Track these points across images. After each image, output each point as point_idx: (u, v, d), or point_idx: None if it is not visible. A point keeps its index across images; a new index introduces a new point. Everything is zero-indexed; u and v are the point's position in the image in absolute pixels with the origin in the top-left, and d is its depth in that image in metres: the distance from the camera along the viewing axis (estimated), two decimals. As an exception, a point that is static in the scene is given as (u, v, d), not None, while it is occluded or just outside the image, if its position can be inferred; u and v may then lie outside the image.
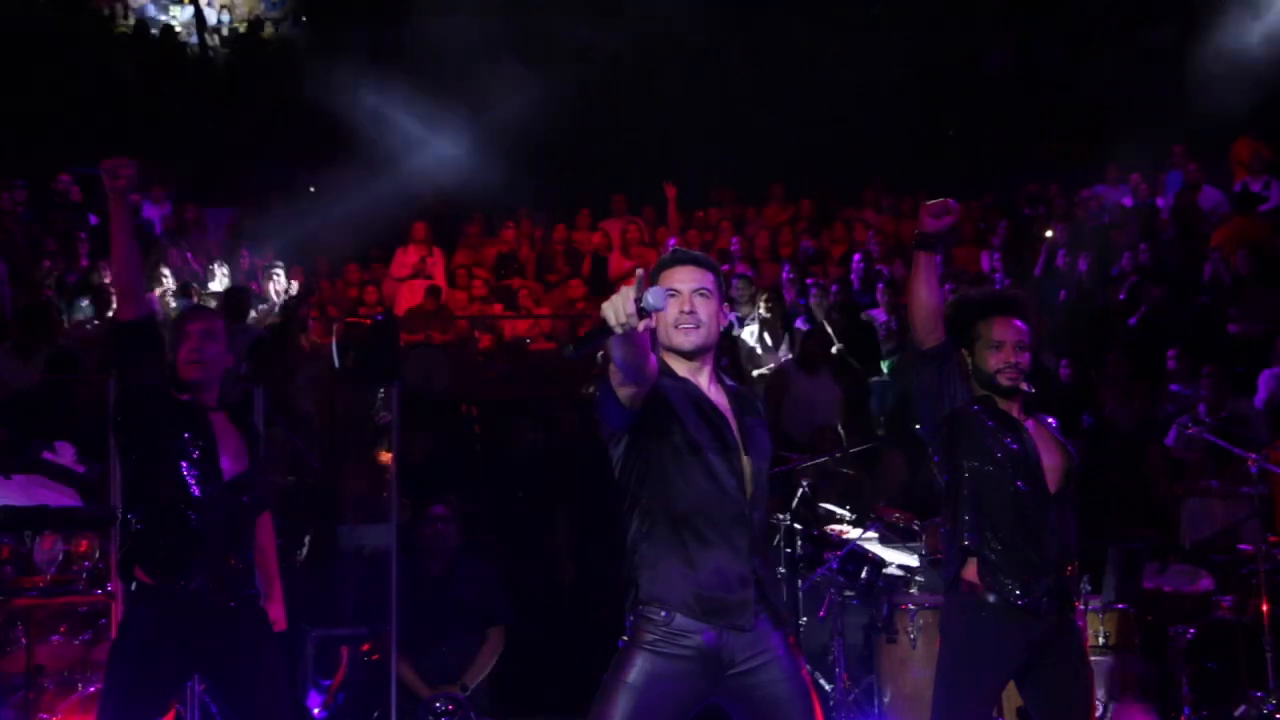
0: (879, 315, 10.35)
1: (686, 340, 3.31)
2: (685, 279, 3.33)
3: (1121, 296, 10.35)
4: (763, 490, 3.33)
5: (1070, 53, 16.09)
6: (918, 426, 4.31)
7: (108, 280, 8.99)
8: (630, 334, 2.90)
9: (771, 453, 3.41)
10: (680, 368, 3.34)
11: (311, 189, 14.48)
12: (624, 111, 14.44)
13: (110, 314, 8.57)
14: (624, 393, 3.13)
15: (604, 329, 2.89)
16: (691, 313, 3.31)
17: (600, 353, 3.06)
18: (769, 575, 3.34)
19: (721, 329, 3.41)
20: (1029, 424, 4.09)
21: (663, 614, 3.20)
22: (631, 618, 3.26)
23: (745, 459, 3.30)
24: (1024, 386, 4.07)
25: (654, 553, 3.25)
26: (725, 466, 3.25)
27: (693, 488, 3.22)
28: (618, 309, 2.85)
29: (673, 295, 3.29)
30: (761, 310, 9.86)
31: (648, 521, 3.26)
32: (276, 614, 4.42)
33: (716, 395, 3.35)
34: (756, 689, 3.23)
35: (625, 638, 3.27)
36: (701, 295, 3.32)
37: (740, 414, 3.36)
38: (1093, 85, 15.26)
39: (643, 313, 2.88)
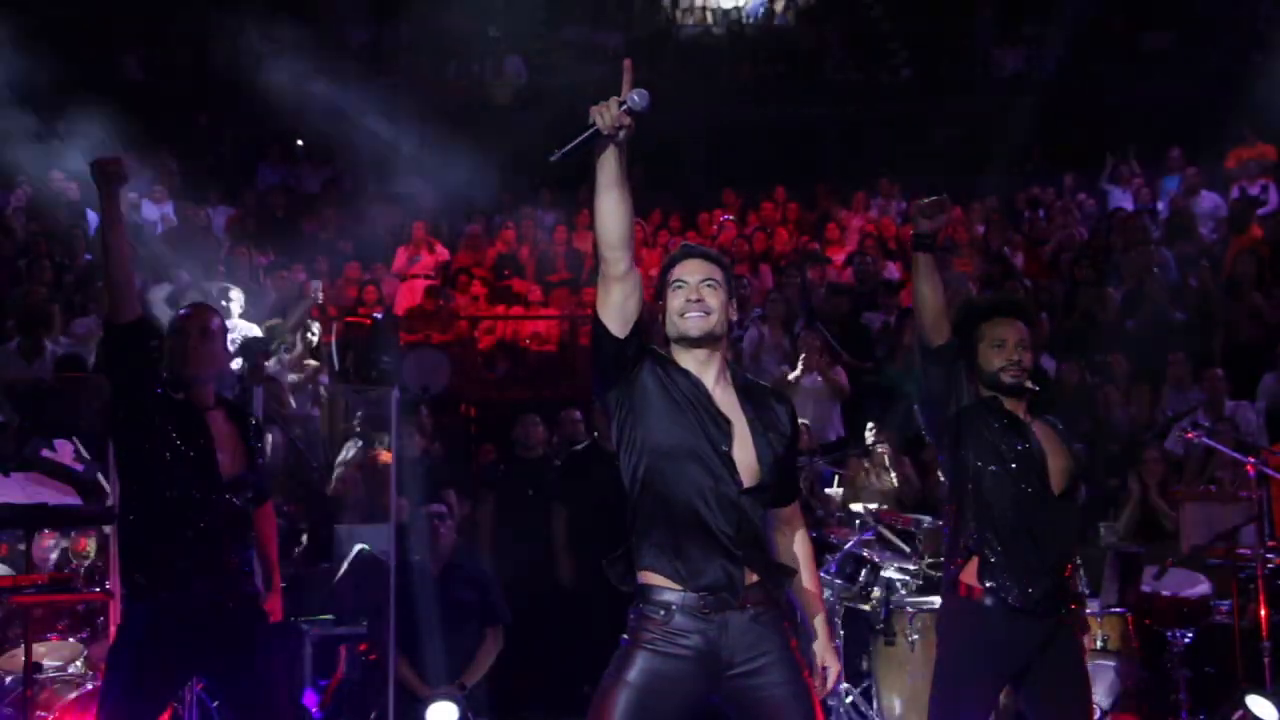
0: (877, 316, 10.36)
1: (694, 326, 3.31)
2: (693, 270, 3.36)
3: (1120, 299, 10.35)
4: (766, 486, 3.32)
5: (1071, 55, 16.11)
6: (923, 428, 4.31)
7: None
8: (620, 137, 3.03)
9: (784, 451, 3.38)
10: (687, 360, 3.34)
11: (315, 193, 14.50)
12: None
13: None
14: (616, 291, 3.16)
15: (592, 133, 3.02)
16: (699, 300, 3.32)
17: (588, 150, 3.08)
18: (771, 573, 3.33)
19: (731, 323, 3.40)
20: (1035, 425, 4.10)
21: (661, 613, 3.21)
22: (632, 616, 3.28)
23: (745, 453, 3.29)
24: (1028, 384, 4.07)
25: (648, 528, 3.26)
26: (718, 458, 3.25)
27: (686, 476, 3.23)
28: (605, 110, 3.00)
29: (680, 286, 3.34)
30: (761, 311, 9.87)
31: (645, 498, 3.27)
32: (273, 605, 4.41)
33: (722, 391, 3.35)
34: (756, 691, 3.23)
35: (625, 636, 3.27)
36: (709, 285, 3.34)
37: (749, 410, 3.35)
38: (1092, 89, 15.29)
39: (628, 113, 3.01)
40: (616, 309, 3.19)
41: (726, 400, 3.34)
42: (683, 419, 3.26)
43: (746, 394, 3.40)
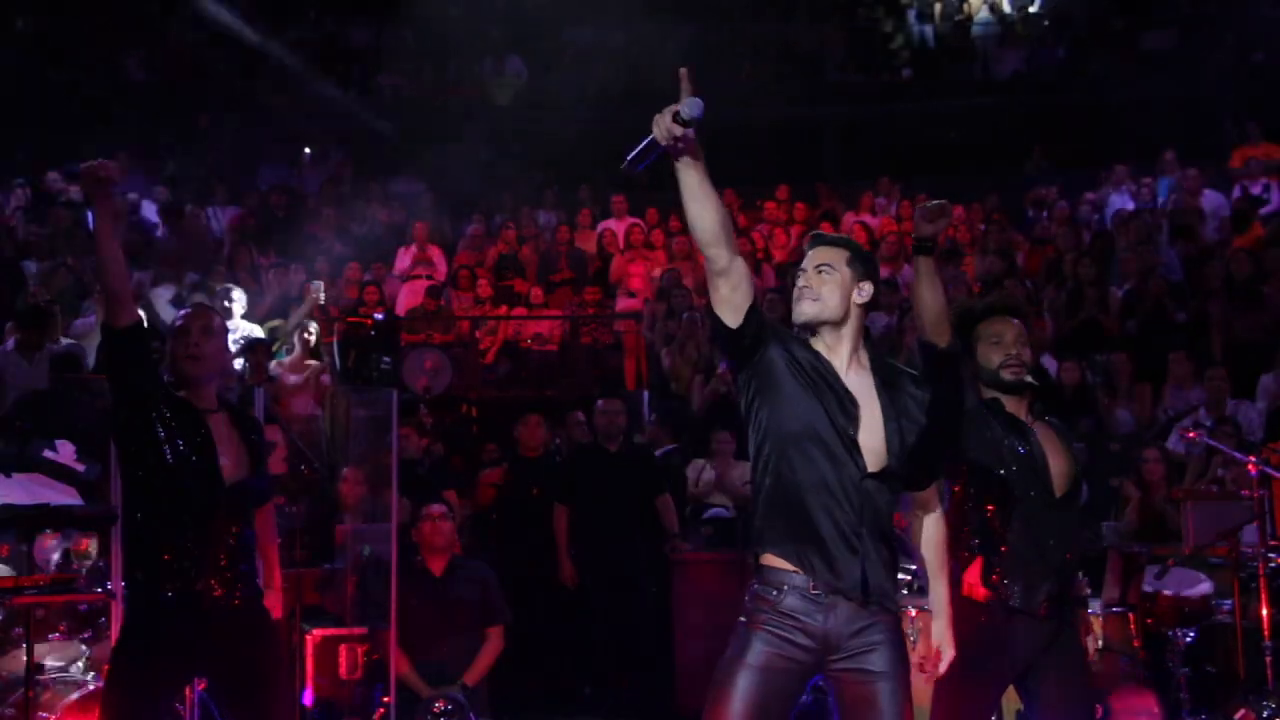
0: (879, 317, 10.35)
1: (801, 311, 3.38)
2: (812, 257, 3.42)
3: (1121, 299, 10.36)
4: (893, 473, 3.32)
5: (1071, 55, 16.12)
6: None
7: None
8: (679, 146, 3.06)
9: (915, 438, 3.37)
10: (817, 343, 3.39)
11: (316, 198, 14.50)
12: (624, 110, 14.49)
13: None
14: (723, 286, 3.19)
15: (651, 141, 3.05)
16: (808, 287, 3.38)
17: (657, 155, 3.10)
18: (886, 569, 3.33)
19: (862, 306, 3.43)
20: (1037, 427, 4.10)
21: (774, 593, 3.24)
22: (748, 597, 3.31)
23: (873, 438, 3.30)
24: (1028, 379, 4.08)
25: (770, 508, 3.30)
26: (841, 442, 3.26)
27: (809, 462, 3.25)
28: (659, 120, 3.03)
29: (801, 274, 3.42)
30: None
31: (767, 481, 3.30)
32: (273, 603, 4.40)
33: (855, 373, 3.36)
34: (855, 679, 3.26)
35: (742, 619, 3.31)
36: (821, 271, 3.38)
37: (884, 394, 3.36)
38: (1094, 88, 15.29)
39: (683, 122, 3.01)
40: (726, 302, 3.23)
41: (859, 383, 3.35)
42: (808, 401, 3.27)
43: (883, 377, 3.40)
